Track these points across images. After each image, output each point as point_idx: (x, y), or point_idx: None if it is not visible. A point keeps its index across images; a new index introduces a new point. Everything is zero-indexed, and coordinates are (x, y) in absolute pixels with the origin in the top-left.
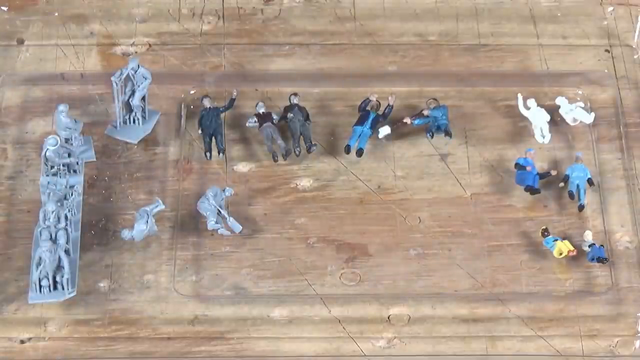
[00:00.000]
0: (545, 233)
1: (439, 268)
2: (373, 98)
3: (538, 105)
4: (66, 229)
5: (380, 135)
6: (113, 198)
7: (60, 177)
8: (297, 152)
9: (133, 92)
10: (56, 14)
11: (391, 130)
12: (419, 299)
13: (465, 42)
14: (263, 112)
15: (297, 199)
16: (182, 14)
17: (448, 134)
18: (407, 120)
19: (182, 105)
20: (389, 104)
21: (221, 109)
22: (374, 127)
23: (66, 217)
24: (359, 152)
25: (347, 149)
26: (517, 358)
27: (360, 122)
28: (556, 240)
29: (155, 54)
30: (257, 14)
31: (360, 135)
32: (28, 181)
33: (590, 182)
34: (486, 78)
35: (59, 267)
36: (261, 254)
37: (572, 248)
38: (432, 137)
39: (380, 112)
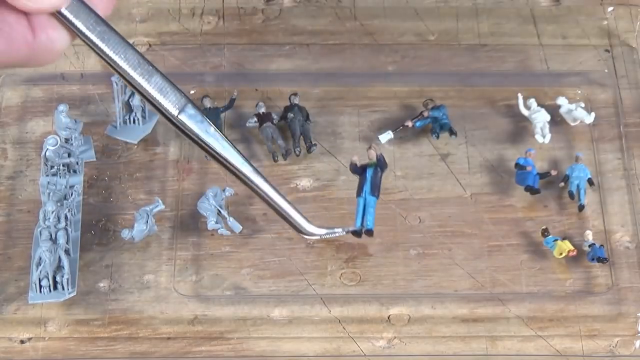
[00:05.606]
0: (546, 233)
1: (439, 268)
2: (355, 158)
3: (538, 105)
4: (66, 229)
5: (383, 141)
6: (113, 198)
7: (60, 177)
8: (297, 152)
9: (133, 92)
10: None
11: (393, 135)
12: (419, 299)
13: (465, 42)
14: (263, 112)
15: (297, 199)
16: (182, 14)
17: (453, 132)
18: (409, 123)
19: None
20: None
21: (221, 109)
22: (376, 188)
23: (66, 217)
24: (369, 233)
25: (358, 234)
26: (517, 358)
27: (360, 188)
28: (556, 240)
29: (155, 54)
30: (257, 14)
31: (364, 207)
32: (28, 181)
33: (590, 182)
34: (486, 78)
35: (59, 267)
36: (261, 254)
37: (572, 248)
38: (437, 137)
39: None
